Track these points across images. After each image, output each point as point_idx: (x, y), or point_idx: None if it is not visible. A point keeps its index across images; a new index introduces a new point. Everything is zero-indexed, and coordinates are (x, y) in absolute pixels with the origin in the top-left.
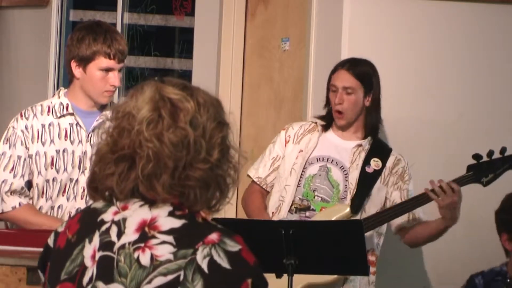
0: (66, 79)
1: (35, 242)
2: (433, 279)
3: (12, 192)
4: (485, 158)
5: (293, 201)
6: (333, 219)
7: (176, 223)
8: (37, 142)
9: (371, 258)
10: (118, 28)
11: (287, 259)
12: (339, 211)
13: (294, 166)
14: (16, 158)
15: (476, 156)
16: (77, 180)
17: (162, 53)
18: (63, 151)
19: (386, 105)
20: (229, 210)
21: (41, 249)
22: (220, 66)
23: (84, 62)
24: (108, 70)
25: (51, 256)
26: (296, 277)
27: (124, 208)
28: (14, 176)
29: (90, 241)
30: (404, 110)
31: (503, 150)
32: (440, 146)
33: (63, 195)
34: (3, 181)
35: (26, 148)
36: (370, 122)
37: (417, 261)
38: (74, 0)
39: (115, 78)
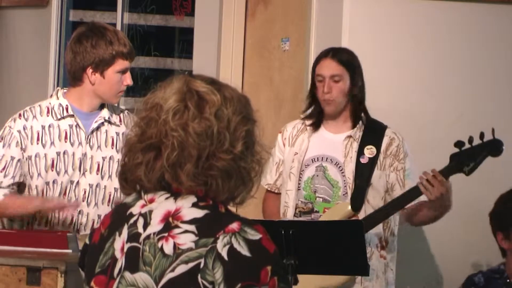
0: (66, 79)
1: (35, 242)
2: (433, 279)
3: None
4: (467, 145)
5: (296, 205)
6: (336, 219)
7: (199, 213)
8: (37, 143)
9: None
10: (118, 28)
11: (287, 259)
12: (341, 211)
13: (291, 170)
14: (9, 158)
15: (458, 143)
16: (77, 182)
17: (162, 53)
18: (64, 153)
19: (386, 104)
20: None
21: (41, 249)
22: (220, 66)
23: (103, 66)
24: (124, 71)
25: (88, 251)
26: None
27: (151, 201)
28: (5, 176)
29: (119, 234)
30: (404, 110)
31: (481, 136)
32: (440, 146)
33: (63, 198)
34: None
35: (22, 149)
36: (358, 110)
37: (417, 261)
38: (74, 0)
39: (129, 78)
